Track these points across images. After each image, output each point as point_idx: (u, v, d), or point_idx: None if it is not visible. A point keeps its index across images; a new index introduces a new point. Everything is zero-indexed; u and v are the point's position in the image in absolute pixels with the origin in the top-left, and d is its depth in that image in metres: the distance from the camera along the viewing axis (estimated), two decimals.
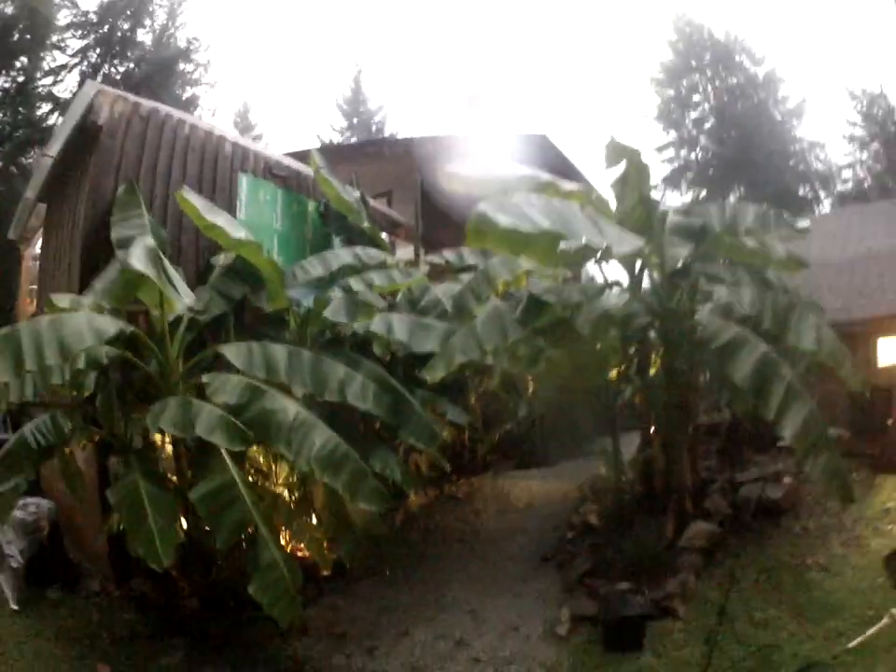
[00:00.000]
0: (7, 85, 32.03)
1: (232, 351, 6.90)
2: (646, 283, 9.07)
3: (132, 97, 9.92)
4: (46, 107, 33.22)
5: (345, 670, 6.89)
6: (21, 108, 32.25)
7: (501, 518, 10.77)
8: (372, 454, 7.36)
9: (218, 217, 8.25)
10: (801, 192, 38.60)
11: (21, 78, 31.91)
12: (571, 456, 13.31)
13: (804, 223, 15.83)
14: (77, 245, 9.10)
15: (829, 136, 50.16)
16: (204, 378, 6.73)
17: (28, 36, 31.07)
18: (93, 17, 34.31)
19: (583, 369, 8.71)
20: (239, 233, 8.05)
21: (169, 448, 7.75)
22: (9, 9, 30.28)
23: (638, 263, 8.79)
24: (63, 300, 7.22)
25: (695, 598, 7.01)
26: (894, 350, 12.70)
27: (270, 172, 11.46)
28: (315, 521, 8.15)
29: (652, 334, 8.59)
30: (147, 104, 9.96)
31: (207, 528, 7.14)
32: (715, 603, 6.61)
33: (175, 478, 7.44)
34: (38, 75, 33.26)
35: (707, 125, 41.11)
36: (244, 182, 10.85)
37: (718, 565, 7.67)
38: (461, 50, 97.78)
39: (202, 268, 9.39)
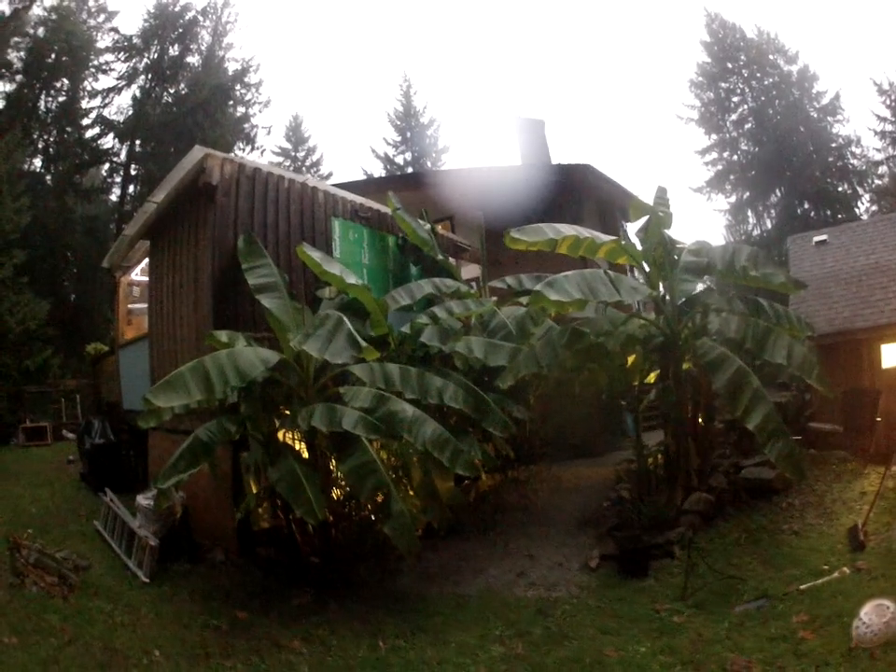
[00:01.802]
0: (49, 105, 34.51)
1: (358, 370, 9.22)
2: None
3: (236, 158, 11.76)
4: (97, 129, 36.10)
5: (438, 596, 9.00)
6: (67, 128, 35.08)
7: (554, 495, 12.79)
8: (460, 440, 9.29)
9: (333, 267, 10.59)
10: (840, 189, 38.58)
11: (62, 98, 34.45)
12: (616, 448, 15.09)
13: (820, 237, 17.64)
14: (207, 286, 10.85)
15: (862, 129, 49.05)
16: (341, 389, 9.11)
17: (66, 58, 33.24)
18: (137, 40, 36.10)
19: (615, 378, 11.08)
20: (350, 279, 10.40)
21: (288, 441, 9.77)
22: (41, 32, 32.32)
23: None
24: (221, 334, 9.40)
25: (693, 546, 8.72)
26: None
27: (356, 214, 13.26)
28: (412, 493, 9.87)
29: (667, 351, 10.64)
30: (249, 164, 11.78)
31: (335, 498, 9.49)
32: (706, 549, 8.85)
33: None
34: (83, 95, 35.61)
35: (747, 126, 41.20)
36: (336, 225, 12.71)
37: (712, 524, 9.73)
38: (505, 64, 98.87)
39: (310, 299, 11.41)
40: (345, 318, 8.96)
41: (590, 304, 10.28)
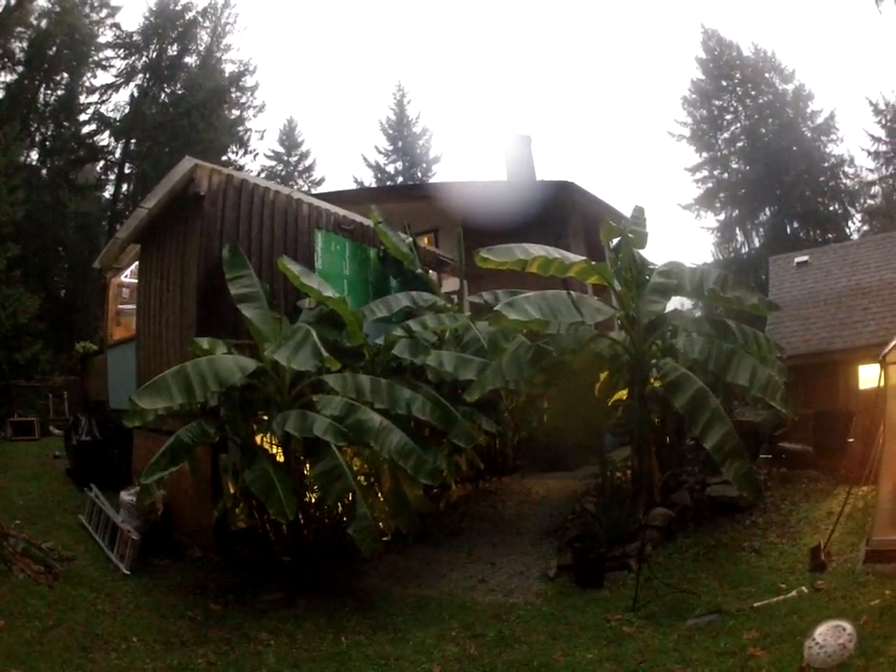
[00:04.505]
0: (48, 99, 33.85)
1: (332, 379, 9.62)
2: None
3: (224, 170, 12.05)
4: (93, 126, 35.63)
5: (401, 597, 9.42)
6: (65, 123, 34.42)
7: (522, 506, 13.14)
8: (427, 450, 9.73)
9: (312, 279, 11.00)
10: (830, 209, 38.27)
11: (60, 92, 33.97)
12: (590, 463, 14.68)
13: (801, 258, 17.73)
14: (192, 292, 11.21)
15: (855, 149, 48.59)
16: (315, 398, 9.49)
17: (67, 51, 32.81)
18: (137, 37, 35.70)
19: (583, 395, 11.39)
20: (328, 291, 10.78)
21: (265, 445, 10.12)
22: (44, 23, 31.76)
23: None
24: (203, 341, 9.86)
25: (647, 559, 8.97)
26: (872, 376, 13.36)
27: (339, 226, 13.56)
28: (382, 499, 10.32)
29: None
30: (237, 175, 12.11)
31: (306, 501, 9.81)
32: (663, 563, 9.13)
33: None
34: (81, 91, 35.02)
35: (739, 144, 40.75)
36: (319, 237, 13.04)
37: (672, 539, 9.98)
38: (498, 74, 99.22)
39: (290, 308, 11.71)
40: (313, 331, 9.39)
41: (552, 324, 10.56)
